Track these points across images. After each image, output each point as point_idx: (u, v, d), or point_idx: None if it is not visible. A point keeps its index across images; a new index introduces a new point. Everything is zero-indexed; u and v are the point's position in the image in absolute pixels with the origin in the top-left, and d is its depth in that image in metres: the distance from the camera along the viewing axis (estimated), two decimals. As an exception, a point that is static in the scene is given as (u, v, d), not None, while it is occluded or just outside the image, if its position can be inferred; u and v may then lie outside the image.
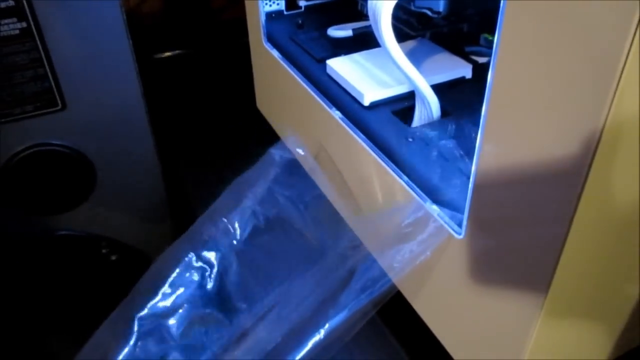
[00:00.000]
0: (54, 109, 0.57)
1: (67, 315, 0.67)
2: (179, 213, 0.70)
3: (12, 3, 0.51)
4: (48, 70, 0.55)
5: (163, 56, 0.94)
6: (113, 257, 0.68)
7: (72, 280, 0.68)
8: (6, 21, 0.52)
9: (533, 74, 0.28)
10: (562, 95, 0.26)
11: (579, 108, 0.25)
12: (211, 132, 0.78)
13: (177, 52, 0.94)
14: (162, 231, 0.70)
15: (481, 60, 0.56)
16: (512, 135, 0.30)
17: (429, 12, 0.42)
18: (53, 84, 0.56)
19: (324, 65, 0.55)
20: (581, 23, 0.24)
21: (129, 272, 0.71)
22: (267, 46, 0.64)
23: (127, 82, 0.60)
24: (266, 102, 0.71)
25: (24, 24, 0.52)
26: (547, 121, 0.27)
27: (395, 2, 0.40)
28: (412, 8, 0.43)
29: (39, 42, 0.53)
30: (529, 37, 0.27)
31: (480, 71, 0.54)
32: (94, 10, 0.54)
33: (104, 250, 0.68)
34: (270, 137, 0.70)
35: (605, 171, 0.26)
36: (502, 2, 0.28)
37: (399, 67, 0.44)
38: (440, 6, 0.41)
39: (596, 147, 0.25)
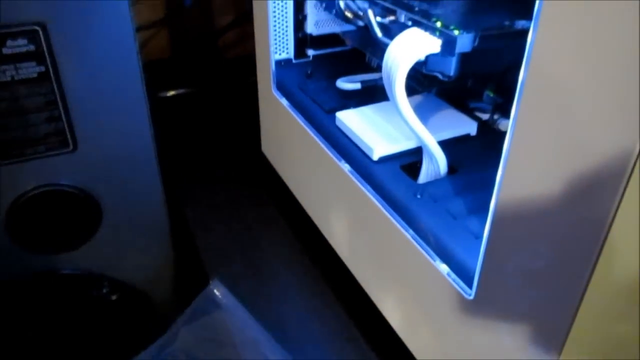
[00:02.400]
0: (65, 150, 0.58)
1: (65, 355, 0.66)
2: (183, 255, 0.70)
3: (32, 48, 0.52)
4: (62, 112, 0.56)
5: (168, 95, 0.95)
6: (113, 297, 0.68)
7: (71, 320, 0.68)
8: (25, 65, 0.53)
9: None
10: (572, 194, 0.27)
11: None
12: (216, 174, 0.79)
13: (182, 90, 0.96)
14: (165, 272, 0.70)
15: (484, 116, 0.58)
16: (528, 195, 0.31)
17: (440, 76, 0.44)
18: (66, 125, 0.57)
19: (333, 117, 0.57)
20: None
21: (128, 312, 0.71)
22: (277, 94, 0.65)
23: (138, 124, 0.61)
24: (272, 147, 0.72)
25: (42, 68, 0.53)
26: (561, 186, 0.29)
27: (410, 67, 0.41)
28: (424, 71, 0.44)
29: (55, 85, 0.54)
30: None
31: (485, 128, 0.56)
32: (111, 54, 0.55)
33: (104, 290, 0.68)
34: (274, 182, 0.71)
35: (628, 226, 0.27)
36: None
37: (409, 126, 0.46)
38: (452, 71, 0.43)
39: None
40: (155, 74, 1.00)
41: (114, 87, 0.57)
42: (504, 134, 0.56)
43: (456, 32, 0.40)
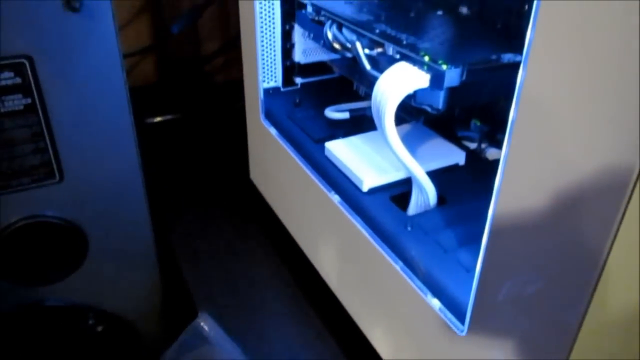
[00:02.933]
0: (51, 181, 0.57)
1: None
2: (170, 285, 0.69)
3: (18, 80, 0.52)
4: (49, 143, 0.55)
5: (155, 121, 0.95)
6: (99, 329, 0.67)
7: (57, 352, 0.66)
8: (11, 97, 0.52)
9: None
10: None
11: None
12: (204, 202, 0.78)
13: (169, 116, 0.96)
14: (152, 303, 0.69)
15: (472, 145, 0.58)
16: (521, 225, 0.31)
17: (428, 109, 0.44)
18: (52, 156, 0.56)
19: (322, 146, 0.57)
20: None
21: (115, 344, 0.70)
22: (265, 123, 0.65)
23: (126, 153, 0.61)
24: (260, 175, 0.72)
25: (29, 100, 0.53)
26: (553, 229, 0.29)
27: (399, 102, 0.41)
28: (412, 104, 0.45)
29: (41, 117, 0.54)
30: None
31: (473, 157, 0.56)
32: (98, 85, 0.55)
33: (90, 322, 0.66)
34: (263, 210, 0.71)
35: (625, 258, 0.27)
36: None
37: (398, 159, 0.46)
38: (440, 104, 0.43)
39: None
40: (142, 99, 1.00)
41: (101, 117, 0.56)
42: (492, 163, 0.56)
43: (444, 67, 0.41)
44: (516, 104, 0.30)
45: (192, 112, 0.98)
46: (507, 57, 0.43)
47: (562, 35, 0.25)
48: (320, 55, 0.69)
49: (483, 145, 0.58)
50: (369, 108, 0.45)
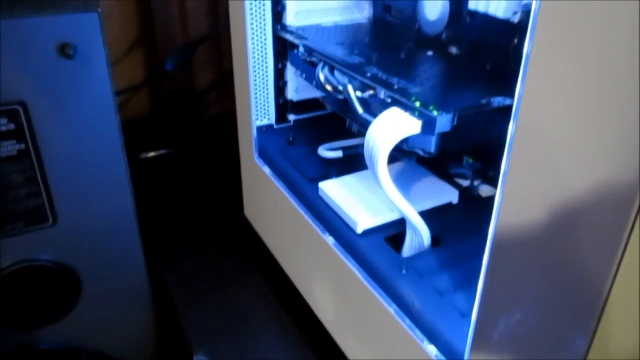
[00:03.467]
0: (44, 224, 0.57)
1: None
2: (165, 326, 0.69)
3: (12, 126, 0.52)
4: (42, 187, 0.55)
5: (149, 156, 0.95)
6: (93, 371, 0.66)
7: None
8: (5, 143, 0.52)
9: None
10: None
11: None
12: (199, 239, 0.78)
13: (163, 151, 0.96)
14: (147, 344, 0.69)
15: (465, 183, 0.59)
16: (518, 265, 0.31)
17: (421, 152, 0.45)
18: (46, 200, 0.56)
19: (316, 186, 0.57)
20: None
21: (108, 386, 0.69)
22: (259, 161, 0.65)
23: (119, 194, 0.61)
24: (254, 212, 0.72)
25: (22, 145, 0.53)
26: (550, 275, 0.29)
27: (392, 148, 0.42)
28: (405, 148, 0.45)
29: (35, 162, 0.54)
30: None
31: (466, 194, 0.57)
32: (92, 129, 0.55)
33: (84, 364, 0.66)
34: (257, 246, 0.71)
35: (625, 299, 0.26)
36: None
37: (392, 201, 0.46)
38: (432, 148, 0.44)
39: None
40: (135, 133, 1.00)
41: (94, 159, 0.56)
42: (485, 200, 0.57)
43: (435, 113, 0.41)
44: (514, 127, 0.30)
45: (185, 146, 0.98)
46: (497, 101, 0.44)
47: (558, 55, 0.26)
48: (313, 92, 0.70)
49: (476, 183, 0.58)
50: (362, 146, 0.45)
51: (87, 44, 0.51)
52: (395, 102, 0.45)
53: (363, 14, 0.69)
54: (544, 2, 0.26)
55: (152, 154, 0.95)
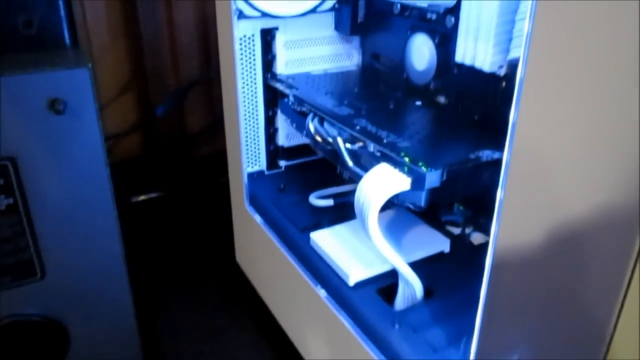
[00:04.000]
0: (32, 279, 0.57)
1: None
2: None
3: (1, 181, 0.52)
4: (31, 242, 0.55)
5: (140, 199, 0.95)
6: None
7: None
8: (-7, 198, 0.52)
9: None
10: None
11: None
12: (190, 285, 0.77)
13: (154, 194, 0.96)
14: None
15: (456, 230, 0.59)
16: (515, 313, 0.31)
17: (411, 206, 0.45)
18: (34, 255, 0.56)
19: (308, 236, 0.56)
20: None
21: None
22: (250, 210, 0.65)
23: (109, 246, 0.60)
24: (246, 259, 0.72)
25: (11, 200, 0.53)
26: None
27: (382, 204, 0.42)
28: (395, 202, 0.45)
29: (24, 217, 0.53)
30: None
31: (457, 242, 0.56)
32: (82, 184, 0.55)
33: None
34: (249, 292, 0.70)
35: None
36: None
37: (384, 255, 0.46)
38: (422, 202, 0.44)
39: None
40: (126, 175, 1.00)
41: (84, 213, 0.56)
42: (477, 248, 0.56)
43: (424, 169, 0.41)
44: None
45: (177, 189, 0.98)
46: (486, 154, 0.44)
47: (552, 78, 0.26)
48: (303, 138, 0.70)
49: (467, 230, 0.58)
50: (353, 193, 0.45)
51: (78, 99, 0.51)
52: (385, 156, 0.45)
53: (352, 61, 0.70)
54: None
55: (143, 197, 0.95)
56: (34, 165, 0.52)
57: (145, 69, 1.01)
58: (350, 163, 0.49)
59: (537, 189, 0.28)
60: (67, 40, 0.56)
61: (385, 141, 0.46)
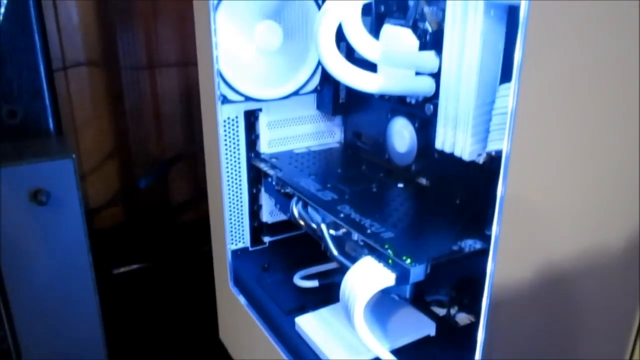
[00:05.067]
0: (8, 367, 0.55)
1: None
2: None
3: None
4: (8, 332, 0.54)
5: (122, 271, 0.93)
6: None
7: None
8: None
9: None
10: None
11: None
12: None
13: (136, 266, 0.94)
14: None
15: (441, 312, 0.58)
16: None
17: (396, 297, 0.45)
18: (11, 344, 0.54)
19: (292, 318, 0.56)
20: None
21: None
22: (234, 290, 0.65)
23: (89, 335, 0.59)
24: (230, 337, 0.71)
25: (-10, 291, 0.52)
26: None
27: (368, 299, 0.42)
28: (381, 292, 0.45)
29: (2, 307, 0.52)
30: None
31: (443, 324, 0.56)
32: (64, 270, 0.55)
33: None
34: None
35: None
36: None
37: (370, 348, 0.45)
38: (407, 294, 0.44)
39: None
40: (108, 245, 0.99)
41: (65, 300, 0.55)
42: (462, 329, 0.56)
43: (408, 262, 0.42)
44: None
45: (159, 259, 0.97)
46: (469, 245, 0.45)
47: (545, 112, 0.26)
48: (287, 214, 0.70)
49: (452, 311, 0.58)
50: (338, 273, 0.45)
51: (61, 189, 0.51)
52: (369, 247, 0.45)
53: (334, 138, 0.71)
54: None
55: (126, 269, 0.93)
56: (15, 255, 0.51)
57: (129, 138, 1.01)
58: (334, 252, 0.49)
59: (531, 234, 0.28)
60: (52, 127, 0.56)
61: (369, 231, 0.47)
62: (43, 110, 0.55)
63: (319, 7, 0.61)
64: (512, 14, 0.43)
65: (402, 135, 0.58)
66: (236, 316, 0.65)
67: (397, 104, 0.58)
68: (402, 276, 0.42)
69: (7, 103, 0.52)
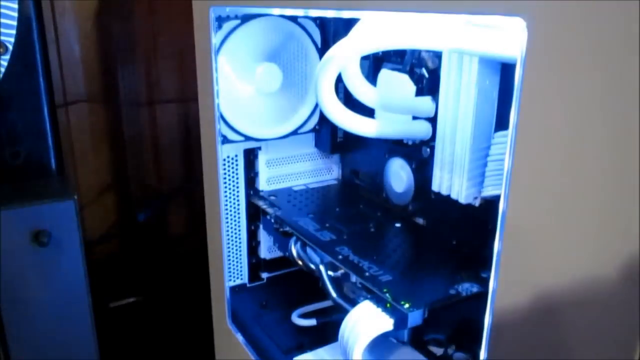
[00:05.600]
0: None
1: None
2: None
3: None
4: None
5: (119, 304, 0.93)
6: None
7: None
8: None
9: None
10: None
11: None
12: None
13: (133, 299, 0.94)
14: None
15: (439, 351, 0.59)
16: None
17: (394, 341, 0.45)
18: (8, 385, 0.54)
19: (290, 358, 0.56)
20: None
21: None
22: (232, 327, 0.65)
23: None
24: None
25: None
26: None
27: (367, 344, 0.42)
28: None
29: (0, 350, 0.52)
30: None
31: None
32: (63, 310, 0.55)
33: None
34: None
35: None
36: None
37: (368, 392, 0.46)
38: (405, 337, 0.45)
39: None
40: (105, 277, 0.99)
41: (63, 340, 0.55)
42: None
43: (406, 307, 0.42)
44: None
45: (156, 293, 0.97)
46: (465, 288, 0.45)
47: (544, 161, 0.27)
48: (285, 250, 0.71)
49: (450, 351, 0.58)
50: (336, 312, 0.45)
51: (62, 230, 0.51)
52: (367, 290, 0.46)
53: (332, 175, 0.72)
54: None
55: (123, 302, 0.93)
56: (13, 295, 0.52)
57: (128, 172, 1.02)
58: (333, 294, 0.50)
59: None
60: (54, 167, 0.57)
61: (367, 273, 0.47)
62: (46, 150, 0.55)
63: (317, 48, 0.63)
64: (506, 64, 0.44)
65: (399, 175, 0.58)
66: (234, 354, 0.65)
67: (395, 145, 0.59)
68: (400, 321, 0.42)
69: (10, 144, 0.52)
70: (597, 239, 0.26)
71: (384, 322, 0.42)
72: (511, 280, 0.30)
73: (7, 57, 0.48)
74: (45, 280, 0.52)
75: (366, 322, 0.42)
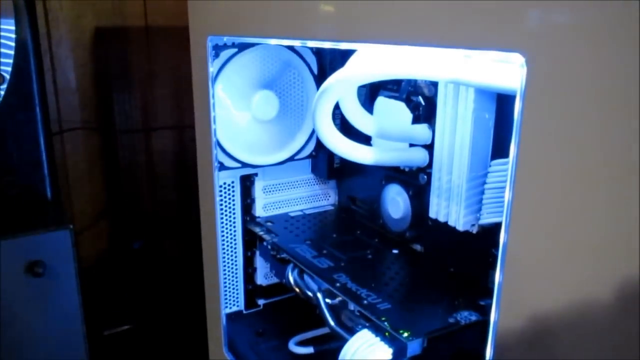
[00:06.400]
0: None
1: None
2: None
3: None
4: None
5: (114, 332, 0.92)
6: None
7: None
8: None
9: None
10: None
11: None
12: None
13: (126, 327, 0.93)
14: None
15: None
16: None
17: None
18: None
19: (288, 388, 0.55)
20: None
21: None
22: (228, 356, 0.64)
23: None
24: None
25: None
26: None
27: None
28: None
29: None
30: None
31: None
32: (57, 339, 0.54)
33: None
34: None
35: None
36: None
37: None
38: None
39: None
40: (100, 304, 0.98)
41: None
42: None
43: (405, 337, 0.42)
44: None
45: (151, 321, 0.96)
46: (464, 317, 0.45)
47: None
48: (281, 277, 0.70)
49: (448, 379, 0.58)
50: (333, 339, 0.44)
51: (57, 260, 0.51)
52: (365, 318, 0.46)
53: (329, 200, 0.72)
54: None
55: (116, 329, 0.92)
56: (8, 325, 0.51)
57: (122, 197, 1.02)
58: (331, 322, 0.49)
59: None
60: (49, 196, 0.57)
61: (365, 302, 0.47)
62: (41, 180, 0.55)
63: (314, 75, 0.63)
64: (502, 95, 0.45)
65: (396, 202, 0.59)
66: (231, 384, 0.64)
67: (392, 171, 0.59)
68: (399, 351, 0.42)
69: (7, 175, 0.52)
70: (597, 269, 0.26)
71: (383, 352, 0.42)
72: (512, 311, 0.30)
73: (4, 86, 0.48)
74: (40, 310, 0.51)
75: (365, 351, 0.42)
